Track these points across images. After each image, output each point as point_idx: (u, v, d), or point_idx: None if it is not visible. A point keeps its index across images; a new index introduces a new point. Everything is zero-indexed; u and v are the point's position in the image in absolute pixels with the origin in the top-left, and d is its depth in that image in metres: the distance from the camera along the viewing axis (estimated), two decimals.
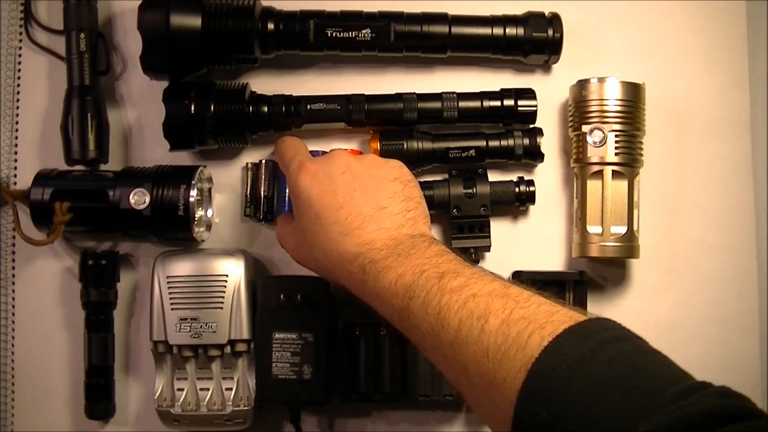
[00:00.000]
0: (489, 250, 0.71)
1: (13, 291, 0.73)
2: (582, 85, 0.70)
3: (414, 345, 0.53)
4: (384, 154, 0.70)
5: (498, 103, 0.71)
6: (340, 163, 0.61)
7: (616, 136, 0.68)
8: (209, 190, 0.72)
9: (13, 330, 0.73)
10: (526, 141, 0.71)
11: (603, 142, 0.68)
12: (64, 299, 0.73)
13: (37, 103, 0.74)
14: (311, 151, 0.72)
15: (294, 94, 0.71)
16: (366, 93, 0.71)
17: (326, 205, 0.58)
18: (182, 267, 0.68)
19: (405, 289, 0.51)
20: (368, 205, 0.58)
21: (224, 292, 0.67)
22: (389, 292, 0.52)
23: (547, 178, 0.74)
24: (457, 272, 0.51)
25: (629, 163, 0.69)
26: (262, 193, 0.72)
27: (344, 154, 0.63)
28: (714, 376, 0.72)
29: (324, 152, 0.71)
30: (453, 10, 0.71)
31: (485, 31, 0.71)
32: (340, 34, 0.69)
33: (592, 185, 0.69)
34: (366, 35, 0.69)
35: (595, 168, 0.69)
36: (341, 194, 0.58)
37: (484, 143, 0.71)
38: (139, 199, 0.67)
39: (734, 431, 0.37)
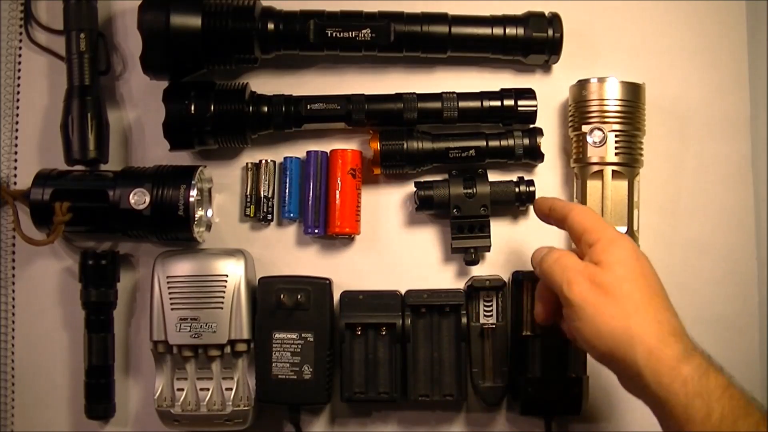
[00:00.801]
0: (489, 250, 0.71)
1: (13, 291, 0.73)
2: (582, 85, 0.70)
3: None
4: (384, 154, 0.70)
5: (498, 103, 0.71)
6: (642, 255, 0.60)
7: (616, 136, 0.68)
8: (209, 190, 0.72)
9: (13, 330, 0.73)
10: (526, 141, 0.71)
11: (603, 142, 0.68)
12: (64, 299, 0.73)
13: (37, 103, 0.74)
14: (311, 151, 0.72)
15: (294, 94, 0.71)
16: (366, 93, 0.71)
17: (656, 286, 0.58)
18: (182, 267, 0.68)
19: (725, 395, 0.50)
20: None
21: (224, 292, 0.67)
22: (711, 393, 0.50)
23: (547, 178, 0.73)
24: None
25: (629, 163, 0.69)
26: (262, 193, 0.72)
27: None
28: None
29: (324, 152, 0.72)
30: (453, 10, 0.71)
31: (485, 31, 0.71)
32: (340, 34, 0.69)
33: (592, 185, 0.69)
34: (366, 35, 0.69)
35: (595, 168, 0.69)
36: (658, 280, 0.58)
37: (484, 143, 0.71)
38: (139, 199, 0.67)
39: None
